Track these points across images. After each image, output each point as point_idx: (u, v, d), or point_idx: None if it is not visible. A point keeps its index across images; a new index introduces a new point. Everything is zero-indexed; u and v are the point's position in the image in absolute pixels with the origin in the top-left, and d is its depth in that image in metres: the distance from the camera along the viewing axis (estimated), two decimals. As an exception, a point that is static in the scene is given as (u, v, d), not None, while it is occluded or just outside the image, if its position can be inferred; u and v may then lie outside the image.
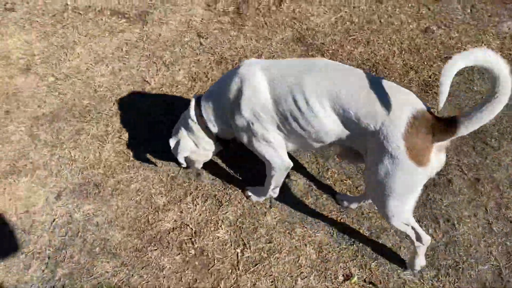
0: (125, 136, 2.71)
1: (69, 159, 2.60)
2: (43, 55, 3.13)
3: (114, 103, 2.86)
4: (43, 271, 2.23)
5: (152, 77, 3.00)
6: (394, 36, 3.25)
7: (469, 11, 3.42)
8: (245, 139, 2.08)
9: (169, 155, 2.60)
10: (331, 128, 1.82)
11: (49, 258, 2.27)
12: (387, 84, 1.75)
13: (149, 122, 2.76)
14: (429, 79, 2.98)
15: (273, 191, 2.35)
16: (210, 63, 3.09)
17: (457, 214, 2.40)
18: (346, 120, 1.77)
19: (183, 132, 2.28)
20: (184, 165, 2.36)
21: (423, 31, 3.28)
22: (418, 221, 2.37)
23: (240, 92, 1.95)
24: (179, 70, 3.05)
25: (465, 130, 1.59)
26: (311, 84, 1.80)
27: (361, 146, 1.85)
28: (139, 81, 2.99)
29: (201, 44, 3.21)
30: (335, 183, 2.51)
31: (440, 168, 1.80)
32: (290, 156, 2.13)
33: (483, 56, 1.44)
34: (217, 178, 2.54)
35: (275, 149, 2.04)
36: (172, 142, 2.32)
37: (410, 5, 3.48)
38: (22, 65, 3.08)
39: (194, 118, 2.20)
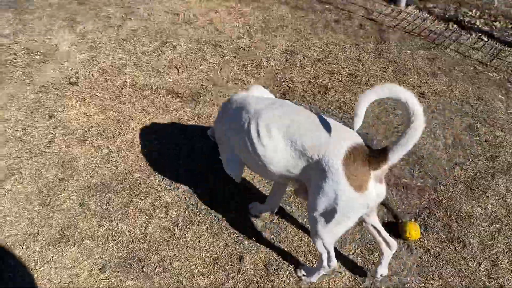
0: (171, 212, 2.76)
1: (116, 231, 2.65)
2: (99, 128, 3.32)
3: (163, 178, 2.95)
4: None
5: (202, 155, 3.12)
6: (439, 131, 3.32)
7: (512, 111, 3.50)
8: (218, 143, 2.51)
9: (213, 236, 2.63)
10: (277, 158, 2.03)
11: (87, 334, 2.24)
12: (332, 122, 1.99)
13: (195, 200, 2.82)
14: (475, 176, 2.98)
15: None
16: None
17: (512, 323, 2.27)
18: (294, 150, 1.98)
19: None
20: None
21: (467, 128, 3.34)
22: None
23: (222, 116, 2.42)
24: (227, 150, 3.15)
25: (395, 156, 1.80)
26: (265, 116, 2.07)
27: (307, 178, 2.03)
28: (189, 158, 3.10)
29: (248, 126, 3.34)
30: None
31: (380, 200, 1.97)
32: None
33: (393, 90, 1.69)
34: (260, 263, 2.52)
35: (229, 161, 2.38)
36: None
37: (452, 102, 3.59)
38: (79, 135, 3.25)
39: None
